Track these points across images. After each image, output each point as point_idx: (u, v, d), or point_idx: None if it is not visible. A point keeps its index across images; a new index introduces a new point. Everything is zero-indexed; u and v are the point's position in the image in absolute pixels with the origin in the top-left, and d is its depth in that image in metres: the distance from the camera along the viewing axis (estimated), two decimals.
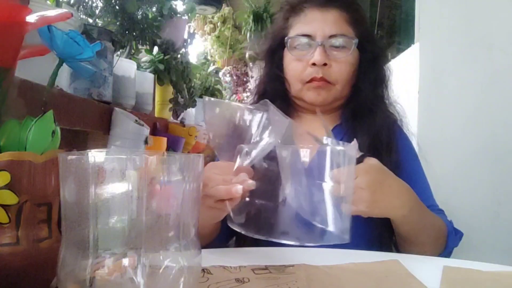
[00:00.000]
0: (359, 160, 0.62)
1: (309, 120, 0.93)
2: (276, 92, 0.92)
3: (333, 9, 0.87)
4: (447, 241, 0.76)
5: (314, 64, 0.84)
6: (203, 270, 0.51)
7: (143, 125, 1.23)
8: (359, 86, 0.89)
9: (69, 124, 0.94)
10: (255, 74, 4.00)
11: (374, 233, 0.77)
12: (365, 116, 0.87)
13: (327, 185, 0.55)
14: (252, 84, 3.85)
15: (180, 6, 1.68)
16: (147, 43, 1.44)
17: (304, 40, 0.86)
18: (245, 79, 3.85)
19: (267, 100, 0.61)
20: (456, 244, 0.77)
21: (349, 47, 0.85)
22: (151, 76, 1.52)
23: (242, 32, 3.78)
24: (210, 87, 2.23)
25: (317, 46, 0.84)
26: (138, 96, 1.40)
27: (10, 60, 0.42)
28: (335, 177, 0.56)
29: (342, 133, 0.88)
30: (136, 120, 1.21)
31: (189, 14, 1.78)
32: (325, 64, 0.84)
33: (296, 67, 0.88)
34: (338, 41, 0.85)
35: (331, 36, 0.84)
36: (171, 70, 1.57)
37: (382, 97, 0.91)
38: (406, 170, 0.80)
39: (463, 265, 0.57)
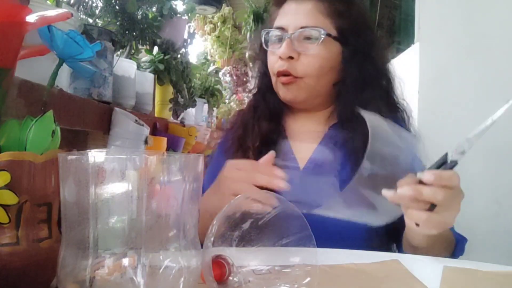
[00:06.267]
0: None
1: (303, 118, 0.91)
2: (267, 89, 0.90)
3: (310, 1, 0.83)
4: (454, 251, 0.73)
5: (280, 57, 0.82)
6: None
7: (143, 125, 1.23)
8: (345, 83, 0.84)
9: (69, 124, 0.94)
10: (255, 74, 3.99)
11: (376, 233, 0.76)
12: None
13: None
14: (252, 84, 3.85)
15: (180, 6, 1.69)
16: (147, 43, 1.44)
17: (277, 33, 0.84)
18: (245, 79, 3.84)
19: None
20: (462, 253, 0.74)
21: (318, 39, 0.81)
22: (151, 76, 1.52)
23: (242, 32, 3.77)
24: (210, 87, 2.23)
25: (286, 39, 0.81)
26: (138, 96, 1.40)
27: (10, 60, 0.42)
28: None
29: (339, 133, 0.84)
30: (136, 120, 1.21)
31: (189, 14, 1.78)
32: (291, 58, 0.81)
33: (271, 60, 0.86)
34: (308, 33, 0.81)
35: (302, 28, 0.81)
36: (171, 70, 1.57)
37: (381, 96, 0.85)
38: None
39: (463, 265, 0.57)
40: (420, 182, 0.54)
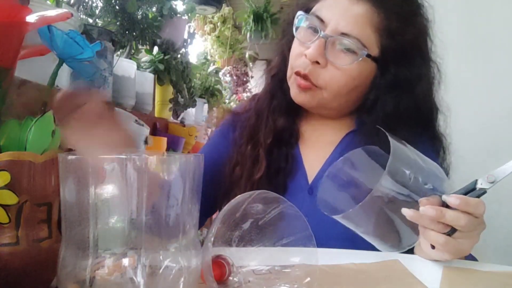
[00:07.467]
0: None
1: (317, 122, 0.83)
2: (285, 75, 0.78)
3: (365, 3, 0.69)
4: None
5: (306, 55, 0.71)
6: None
7: (143, 125, 1.23)
8: (370, 113, 0.74)
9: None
10: (255, 74, 4.00)
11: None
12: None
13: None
14: (252, 84, 3.85)
15: (180, 6, 1.69)
16: (147, 43, 1.44)
17: (313, 22, 0.71)
18: (245, 79, 3.85)
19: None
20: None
21: (357, 56, 0.69)
22: (151, 76, 1.53)
23: (242, 32, 3.78)
24: (210, 87, 2.23)
25: (319, 38, 0.70)
26: (138, 96, 1.40)
27: (10, 60, 0.42)
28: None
29: (356, 141, 0.75)
30: (136, 120, 1.21)
31: (189, 14, 1.78)
32: (317, 63, 0.71)
33: (295, 50, 0.75)
34: (347, 43, 0.69)
35: (342, 34, 0.69)
36: (171, 70, 1.57)
37: (415, 129, 0.74)
38: None
39: (463, 265, 0.57)
40: (444, 205, 0.53)
